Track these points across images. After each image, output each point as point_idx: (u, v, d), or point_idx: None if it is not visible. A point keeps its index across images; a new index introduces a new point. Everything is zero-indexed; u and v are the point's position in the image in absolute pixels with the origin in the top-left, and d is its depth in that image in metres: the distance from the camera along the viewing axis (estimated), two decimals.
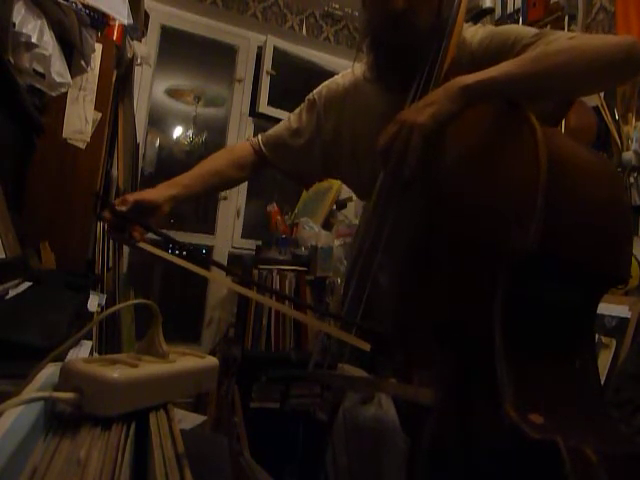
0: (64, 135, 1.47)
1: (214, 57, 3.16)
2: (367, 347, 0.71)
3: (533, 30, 0.87)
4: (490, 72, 0.76)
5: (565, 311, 0.70)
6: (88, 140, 1.50)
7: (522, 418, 0.58)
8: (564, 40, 0.82)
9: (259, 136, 1.19)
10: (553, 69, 0.76)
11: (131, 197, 0.92)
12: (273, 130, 1.18)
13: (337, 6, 3.15)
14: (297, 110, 1.17)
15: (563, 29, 2.12)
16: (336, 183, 2.76)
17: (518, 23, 2.32)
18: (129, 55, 1.87)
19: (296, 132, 1.14)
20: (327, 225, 2.86)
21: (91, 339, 0.91)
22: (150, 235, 0.94)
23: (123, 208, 0.90)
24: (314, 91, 1.16)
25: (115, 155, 1.78)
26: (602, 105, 1.87)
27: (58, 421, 0.39)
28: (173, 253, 0.92)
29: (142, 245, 0.88)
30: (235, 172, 1.13)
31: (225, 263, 2.92)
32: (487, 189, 0.72)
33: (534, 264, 0.64)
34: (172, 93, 3.11)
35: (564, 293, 0.69)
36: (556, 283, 0.68)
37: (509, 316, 0.65)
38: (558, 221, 0.65)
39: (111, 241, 1.64)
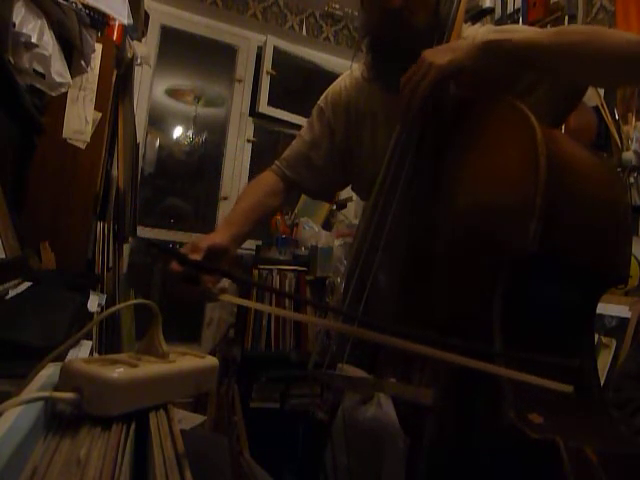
0: (64, 135, 1.47)
1: (214, 57, 3.16)
2: (569, 389, 0.54)
3: (537, 29, 0.89)
4: (513, 35, 0.80)
5: (564, 311, 0.70)
6: (88, 140, 1.50)
7: (521, 418, 0.58)
8: (586, 26, 0.84)
9: (277, 162, 1.16)
10: (573, 44, 0.78)
11: (203, 243, 0.86)
12: (289, 151, 1.16)
13: (337, 6, 3.15)
14: (307, 123, 1.16)
15: None
16: None
17: (518, 23, 2.32)
18: (129, 55, 1.87)
19: (313, 145, 1.12)
20: (327, 225, 2.86)
21: (91, 339, 0.91)
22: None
23: (197, 256, 0.82)
24: (320, 99, 1.15)
25: (115, 155, 1.78)
26: (602, 105, 1.87)
27: (58, 421, 0.39)
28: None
29: (225, 297, 0.78)
30: (271, 200, 1.11)
31: None
32: (487, 188, 0.72)
33: (534, 264, 0.64)
34: (172, 93, 3.10)
35: (563, 293, 0.69)
36: (555, 283, 0.68)
37: (509, 315, 0.65)
38: (558, 221, 0.65)
39: (111, 242, 1.64)
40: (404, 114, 0.86)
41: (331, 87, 1.14)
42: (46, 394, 0.39)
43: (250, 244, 2.96)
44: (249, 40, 3.15)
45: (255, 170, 3.15)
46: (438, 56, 0.79)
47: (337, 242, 2.52)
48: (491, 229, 0.69)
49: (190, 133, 3.17)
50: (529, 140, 0.66)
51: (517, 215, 0.65)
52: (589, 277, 0.70)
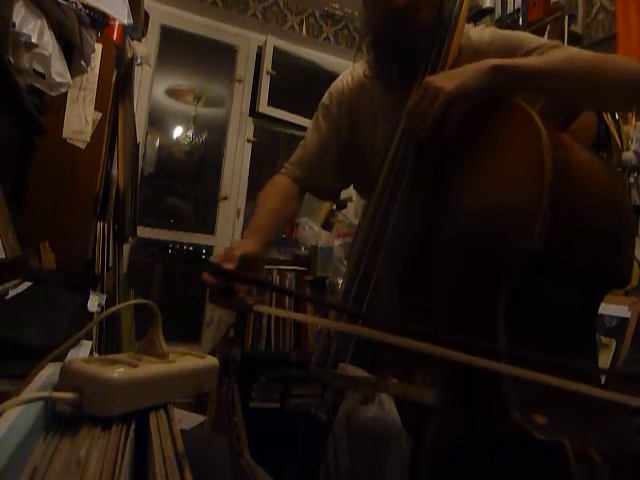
0: (64, 135, 1.47)
1: (214, 57, 3.16)
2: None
3: (544, 40, 0.90)
4: (521, 61, 0.81)
5: (567, 311, 0.70)
6: (88, 140, 1.50)
7: (526, 419, 0.58)
8: (590, 52, 0.86)
9: (287, 166, 1.13)
10: (580, 74, 0.79)
11: (235, 252, 0.81)
12: (300, 153, 1.14)
13: (337, 6, 3.15)
14: (313, 123, 1.14)
15: (563, 29, 2.12)
16: None
17: (518, 23, 2.32)
18: (129, 55, 1.87)
19: (322, 143, 1.11)
20: (327, 225, 2.86)
21: (91, 339, 0.91)
22: None
23: (231, 266, 0.78)
24: (324, 98, 1.14)
25: (115, 155, 1.78)
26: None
27: (58, 421, 0.39)
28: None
29: (260, 308, 0.76)
30: (288, 205, 1.09)
31: None
32: (492, 189, 0.72)
33: (538, 264, 0.64)
34: (172, 93, 3.11)
35: (566, 293, 0.69)
36: (559, 283, 0.68)
37: (512, 316, 0.64)
38: (562, 221, 0.64)
39: (111, 242, 1.64)
40: (411, 139, 0.85)
41: (334, 85, 1.14)
42: (46, 394, 0.39)
43: None
44: (249, 40, 3.15)
45: (255, 170, 3.15)
46: (445, 81, 0.77)
47: (337, 242, 2.52)
48: (496, 229, 0.69)
49: (190, 133, 3.17)
50: (535, 141, 0.66)
51: (523, 215, 0.65)
52: (592, 278, 0.70)
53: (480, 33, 0.94)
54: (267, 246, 0.97)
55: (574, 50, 0.88)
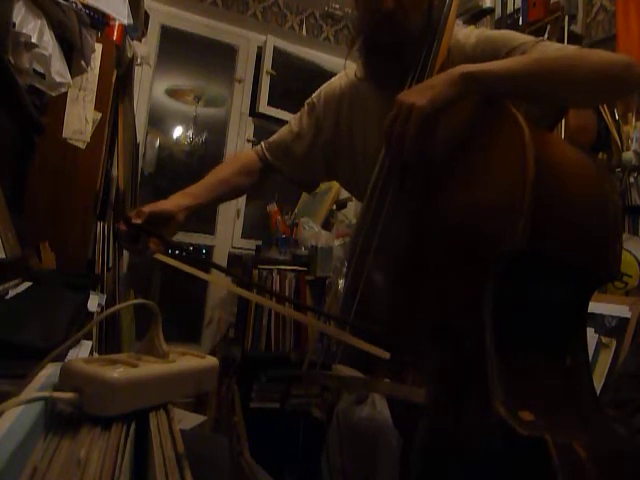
0: (64, 135, 1.48)
1: (214, 57, 3.16)
2: (386, 355, 0.68)
3: (528, 37, 0.89)
4: (492, 65, 0.78)
5: (554, 309, 0.70)
6: (88, 140, 1.50)
7: (511, 415, 0.58)
8: (564, 49, 0.85)
9: (262, 143, 1.17)
10: (552, 73, 0.78)
11: (146, 208, 0.91)
12: (276, 136, 1.18)
13: (337, 6, 3.15)
14: (298, 114, 1.17)
15: (563, 29, 2.12)
16: (336, 183, 2.76)
17: (518, 23, 2.32)
18: (129, 55, 1.87)
19: (298, 136, 1.13)
20: (327, 225, 2.86)
21: (91, 339, 0.91)
22: None
23: (138, 220, 0.89)
24: (314, 94, 1.16)
25: (115, 155, 1.78)
26: (602, 105, 1.87)
27: (58, 421, 0.39)
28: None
29: (158, 257, 0.86)
30: (242, 179, 1.13)
31: (225, 263, 2.92)
32: (478, 189, 0.73)
33: (523, 262, 0.64)
34: (172, 93, 3.10)
35: (553, 291, 0.69)
36: (544, 281, 0.68)
37: (499, 314, 0.65)
38: (547, 219, 0.65)
39: (111, 241, 1.64)
40: (395, 160, 0.85)
41: (326, 85, 1.15)
42: (46, 394, 0.39)
43: (250, 244, 2.96)
44: (249, 40, 3.15)
45: None
46: (417, 96, 0.76)
47: (337, 242, 2.52)
48: (481, 228, 0.70)
49: (190, 133, 3.17)
50: (518, 140, 0.67)
51: (506, 214, 0.65)
52: (579, 275, 0.71)
53: (467, 35, 0.94)
54: (189, 210, 1.00)
55: (554, 47, 0.86)
